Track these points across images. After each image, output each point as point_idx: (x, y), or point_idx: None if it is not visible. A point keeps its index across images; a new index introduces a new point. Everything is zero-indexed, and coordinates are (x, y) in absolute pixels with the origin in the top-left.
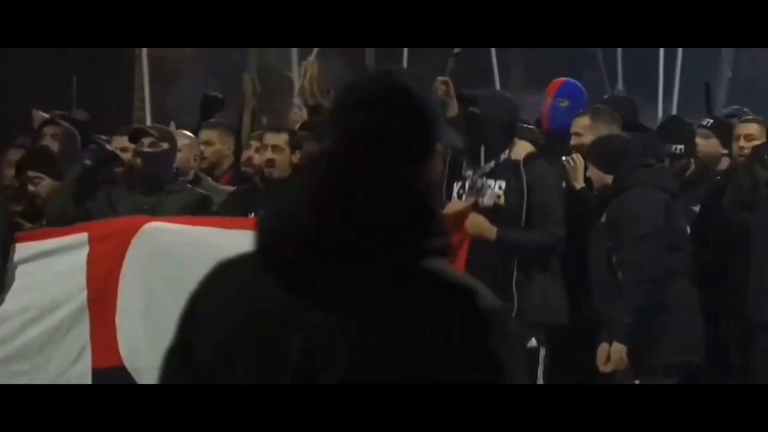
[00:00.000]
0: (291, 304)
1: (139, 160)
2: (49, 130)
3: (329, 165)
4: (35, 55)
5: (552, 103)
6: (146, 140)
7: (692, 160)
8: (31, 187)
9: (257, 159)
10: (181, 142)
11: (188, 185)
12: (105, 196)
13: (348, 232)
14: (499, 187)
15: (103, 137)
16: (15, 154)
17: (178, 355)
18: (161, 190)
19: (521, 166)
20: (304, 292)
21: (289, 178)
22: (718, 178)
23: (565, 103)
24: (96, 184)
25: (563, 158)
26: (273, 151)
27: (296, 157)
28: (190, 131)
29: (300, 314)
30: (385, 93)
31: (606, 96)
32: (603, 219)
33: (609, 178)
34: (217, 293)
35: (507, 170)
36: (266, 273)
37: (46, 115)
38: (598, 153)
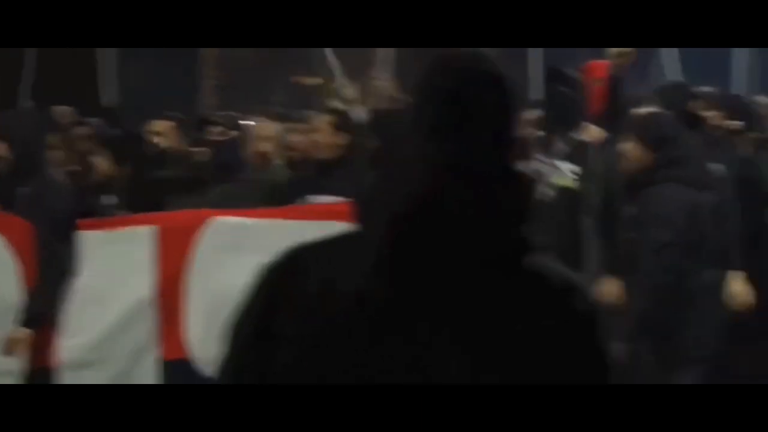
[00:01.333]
0: (393, 293)
1: (208, 150)
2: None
3: (420, 153)
4: None
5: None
6: (215, 129)
7: None
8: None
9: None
10: (262, 132)
11: (260, 175)
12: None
13: (448, 222)
14: (572, 171)
15: None
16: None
17: (258, 352)
18: (231, 180)
19: (595, 149)
20: (405, 282)
21: (382, 165)
22: None
23: None
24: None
25: None
26: (317, 133)
27: (341, 138)
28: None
29: (402, 304)
30: (472, 75)
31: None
32: (630, 208)
33: (646, 159)
34: (309, 280)
35: (581, 153)
36: (363, 259)
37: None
38: (647, 128)
